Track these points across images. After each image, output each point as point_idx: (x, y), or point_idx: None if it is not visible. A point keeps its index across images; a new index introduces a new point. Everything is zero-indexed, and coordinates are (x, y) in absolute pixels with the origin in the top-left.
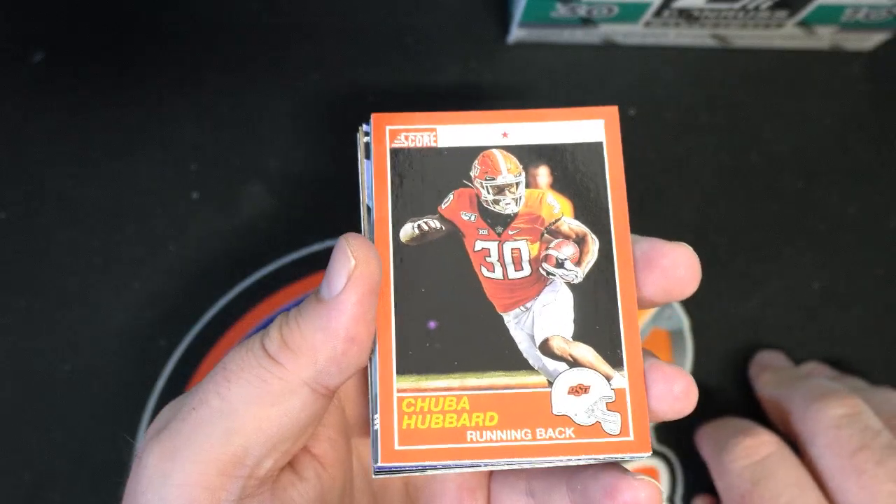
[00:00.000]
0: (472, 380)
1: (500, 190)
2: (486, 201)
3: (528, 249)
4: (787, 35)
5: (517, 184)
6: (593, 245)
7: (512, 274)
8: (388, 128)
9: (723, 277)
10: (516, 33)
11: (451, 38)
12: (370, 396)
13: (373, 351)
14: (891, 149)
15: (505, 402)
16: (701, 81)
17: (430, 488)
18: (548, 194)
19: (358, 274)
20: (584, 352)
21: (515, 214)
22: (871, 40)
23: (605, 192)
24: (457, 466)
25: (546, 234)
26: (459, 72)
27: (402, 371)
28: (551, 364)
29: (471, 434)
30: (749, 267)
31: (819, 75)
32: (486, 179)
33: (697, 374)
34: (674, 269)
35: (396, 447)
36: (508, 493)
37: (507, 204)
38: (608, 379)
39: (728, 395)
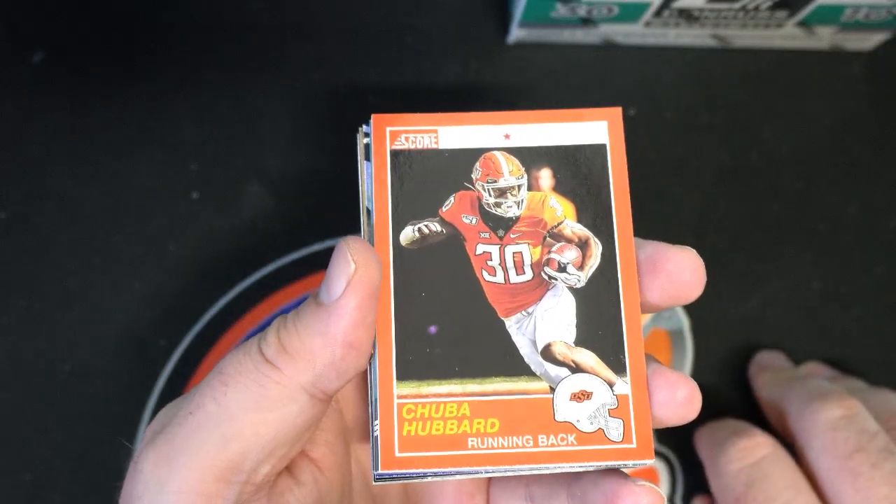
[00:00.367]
0: (474, 386)
1: (501, 192)
2: (488, 204)
3: (530, 253)
4: (787, 35)
5: (519, 186)
6: (596, 249)
7: (514, 278)
8: (388, 129)
9: (723, 277)
10: (516, 33)
11: (451, 38)
12: (370, 402)
13: (372, 356)
14: (891, 149)
15: (506, 409)
16: (701, 81)
17: (429, 492)
18: (550, 197)
19: (358, 278)
20: (587, 357)
21: (517, 217)
22: (871, 40)
23: (609, 195)
24: (457, 473)
25: (548, 238)
26: (459, 72)
27: (402, 377)
28: (553, 370)
29: (472, 441)
30: (749, 267)
31: (819, 75)
32: (487, 182)
33: (697, 374)
34: (679, 273)
35: (397, 454)
36: (508, 499)
37: (508, 207)
38: (611, 385)
39: (728, 396)
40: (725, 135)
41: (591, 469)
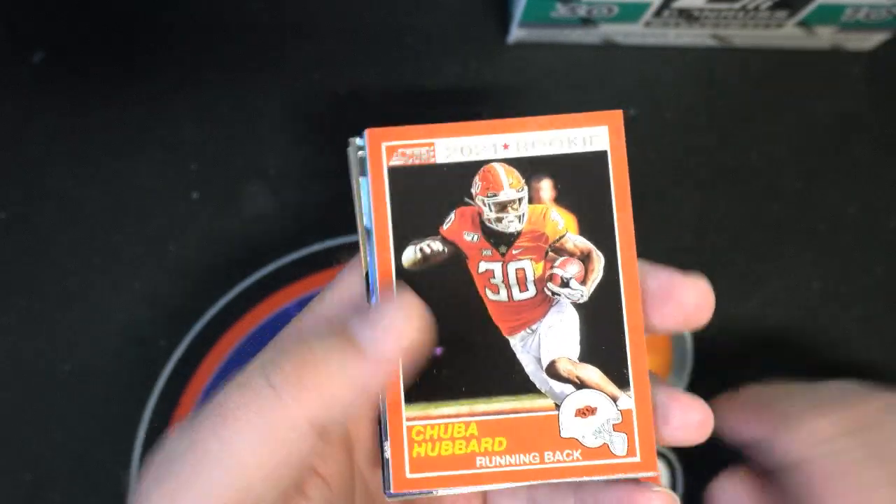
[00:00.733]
0: (481, 405)
1: (502, 207)
2: (489, 219)
3: (532, 269)
4: (787, 35)
5: (520, 199)
6: (599, 262)
7: (517, 295)
8: (384, 144)
9: (723, 277)
10: (516, 33)
11: (451, 38)
12: (381, 424)
13: None
14: (891, 149)
15: (513, 427)
16: (701, 81)
17: (429, 497)
18: (551, 209)
19: (409, 344)
20: (591, 373)
21: (519, 232)
22: (871, 40)
23: (610, 205)
24: (465, 489)
25: (550, 252)
26: (459, 72)
27: (410, 399)
28: (558, 386)
29: (480, 459)
30: (749, 267)
31: (819, 75)
32: (487, 196)
33: (697, 374)
34: (689, 302)
35: (408, 475)
36: (509, 501)
37: (510, 222)
38: (614, 400)
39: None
40: (725, 135)
41: (597, 481)
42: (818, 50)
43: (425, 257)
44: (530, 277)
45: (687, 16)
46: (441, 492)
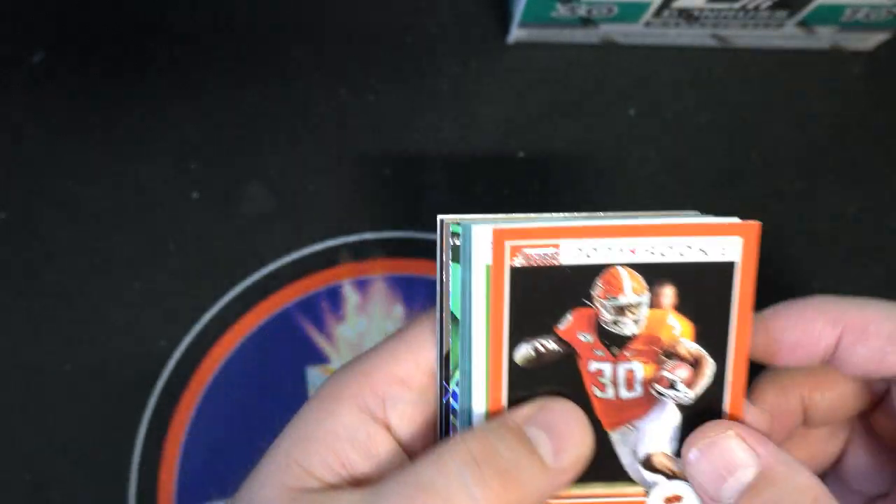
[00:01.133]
0: (575, 490)
1: (621, 310)
2: (605, 322)
3: (642, 371)
4: (787, 35)
5: (640, 304)
6: (709, 369)
7: (623, 394)
8: (508, 244)
9: None
10: (516, 33)
11: (451, 38)
12: None
13: None
14: (891, 149)
15: None
16: (701, 81)
17: None
18: (669, 315)
19: (586, 460)
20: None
21: (634, 335)
22: (871, 40)
23: (730, 316)
24: None
25: (662, 356)
26: (459, 72)
27: None
28: (650, 476)
29: None
30: None
31: (819, 75)
32: (607, 299)
33: None
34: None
35: None
36: None
37: (626, 325)
38: None
39: None
40: (725, 135)
41: None
42: (818, 50)
43: (539, 356)
44: (639, 378)
45: (687, 16)
46: None
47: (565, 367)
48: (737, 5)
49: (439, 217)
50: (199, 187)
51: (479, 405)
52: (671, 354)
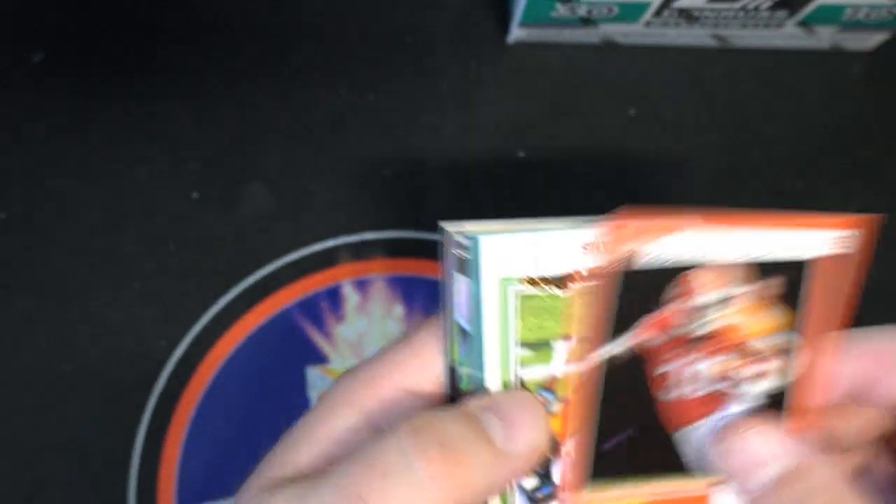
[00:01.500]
0: (634, 485)
1: (694, 311)
2: (679, 324)
3: (710, 371)
4: (787, 35)
5: (714, 305)
6: (780, 367)
7: (689, 395)
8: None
9: None
10: (516, 33)
11: (451, 38)
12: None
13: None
14: (891, 149)
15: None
16: (701, 81)
17: None
18: (743, 315)
19: (541, 451)
20: None
21: (705, 336)
22: (871, 40)
23: (829, 310)
24: None
25: (733, 354)
26: (459, 72)
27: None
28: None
29: None
30: None
31: (819, 75)
32: (682, 301)
33: None
34: None
35: None
36: None
37: (698, 326)
38: None
39: None
40: (725, 135)
41: None
42: (818, 50)
43: (610, 359)
44: (706, 378)
45: (687, 16)
46: None
47: (633, 369)
48: (737, 5)
49: (440, 224)
50: (199, 187)
51: None
52: (742, 353)
